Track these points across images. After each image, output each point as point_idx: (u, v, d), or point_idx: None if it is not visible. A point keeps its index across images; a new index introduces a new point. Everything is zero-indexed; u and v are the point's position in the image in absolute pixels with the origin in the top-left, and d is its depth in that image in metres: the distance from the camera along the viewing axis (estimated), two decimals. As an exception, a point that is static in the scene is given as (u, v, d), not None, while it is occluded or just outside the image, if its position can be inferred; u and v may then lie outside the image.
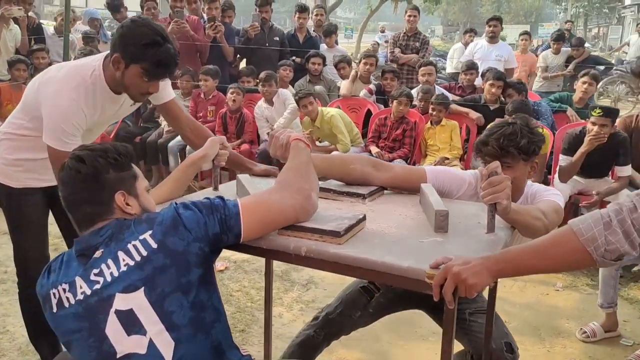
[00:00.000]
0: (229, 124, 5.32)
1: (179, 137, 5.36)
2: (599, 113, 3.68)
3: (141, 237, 1.40)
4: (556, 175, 4.06)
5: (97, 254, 1.42)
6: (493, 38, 6.52)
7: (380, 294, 2.22)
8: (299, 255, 1.50)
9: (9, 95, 5.17)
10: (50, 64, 5.12)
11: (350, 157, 2.03)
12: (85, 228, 1.48)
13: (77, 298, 1.40)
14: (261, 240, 1.55)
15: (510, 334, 2.09)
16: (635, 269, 3.87)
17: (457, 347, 2.30)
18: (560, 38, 7.36)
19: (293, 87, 5.84)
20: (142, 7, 5.90)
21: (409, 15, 6.66)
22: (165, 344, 1.37)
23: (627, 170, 3.85)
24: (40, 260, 2.30)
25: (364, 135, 5.17)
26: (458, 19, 47.12)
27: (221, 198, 1.49)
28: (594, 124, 3.72)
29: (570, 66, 7.28)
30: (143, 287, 1.37)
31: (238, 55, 6.27)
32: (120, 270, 1.39)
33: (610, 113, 3.72)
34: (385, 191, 2.02)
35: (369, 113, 5.37)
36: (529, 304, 3.44)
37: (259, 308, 3.22)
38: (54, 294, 1.44)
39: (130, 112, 2.41)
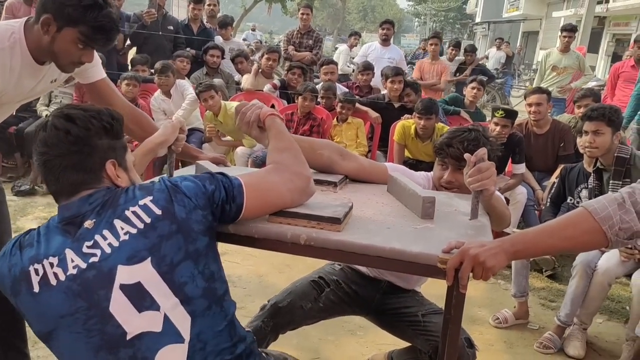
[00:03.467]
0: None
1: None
2: (501, 114, 3.93)
3: (141, 203, 1.25)
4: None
5: (88, 224, 1.24)
6: (386, 41, 6.73)
7: (330, 289, 2.18)
8: (297, 244, 1.40)
9: None
10: None
11: (319, 142, 1.95)
12: (65, 198, 1.27)
13: (68, 273, 1.20)
14: (252, 229, 1.42)
15: (465, 330, 2.14)
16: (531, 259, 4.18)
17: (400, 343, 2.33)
18: (457, 45, 7.83)
19: (189, 79, 5.58)
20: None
21: (302, 14, 6.68)
22: (182, 319, 1.21)
23: (522, 168, 4.15)
24: None
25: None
26: (326, 24, 48.49)
27: (222, 173, 1.37)
28: (496, 124, 3.97)
29: (467, 70, 7.77)
30: (150, 257, 1.20)
31: (128, 43, 5.85)
32: (121, 240, 1.21)
33: (510, 114, 3.99)
34: (348, 180, 1.97)
35: (272, 108, 5.27)
36: (442, 295, 3.56)
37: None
38: (35, 270, 1.21)
39: (48, 91, 2.09)
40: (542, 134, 4.39)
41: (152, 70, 5.12)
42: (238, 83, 5.86)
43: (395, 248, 1.35)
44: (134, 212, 1.23)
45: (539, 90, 4.47)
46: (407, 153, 4.42)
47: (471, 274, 1.31)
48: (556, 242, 1.31)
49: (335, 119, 4.87)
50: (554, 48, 6.75)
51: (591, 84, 7.64)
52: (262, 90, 5.32)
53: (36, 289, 1.20)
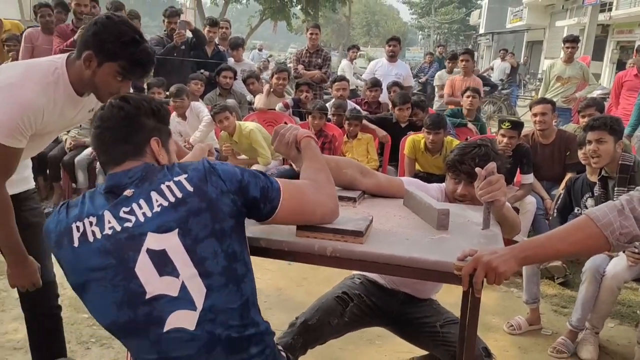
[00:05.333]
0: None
1: (85, 152, 5.06)
2: (507, 126, 4.06)
3: (176, 179, 1.38)
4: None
5: (127, 192, 1.38)
6: (392, 57, 6.88)
7: (354, 304, 2.28)
8: (324, 255, 1.53)
9: None
10: None
11: (343, 161, 2.09)
12: (111, 168, 1.44)
13: (104, 233, 1.34)
14: (282, 243, 1.55)
15: (481, 339, 2.24)
16: (541, 266, 4.27)
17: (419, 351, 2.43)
18: (454, 58, 7.94)
19: (203, 100, 5.75)
20: (35, 14, 5.50)
21: (311, 33, 6.84)
22: (197, 290, 1.33)
23: (530, 178, 4.26)
24: None
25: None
26: (331, 40, 48.94)
27: (264, 173, 1.49)
28: (503, 135, 4.09)
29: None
30: (177, 229, 1.33)
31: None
32: (154, 211, 1.35)
33: (517, 126, 4.11)
34: (365, 195, 2.10)
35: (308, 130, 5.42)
36: (458, 304, 3.67)
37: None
38: (77, 227, 1.36)
39: (85, 120, 2.26)
40: (548, 144, 4.51)
41: (167, 93, 5.29)
42: (250, 103, 6.02)
43: (414, 257, 1.47)
44: (168, 187, 1.36)
45: (544, 100, 4.60)
46: (417, 166, 4.55)
47: (485, 279, 1.43)
48: (562, 247, 1.43)
49: (345, 135, 5.01)
50: (558, 59, 6.88)
51: (596, 93, 7.76)
52: (275, 109, 5.48)
53: (76, 243, 1.35)
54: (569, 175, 4.32)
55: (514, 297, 3.79)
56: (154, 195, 1.36)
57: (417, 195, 1.91)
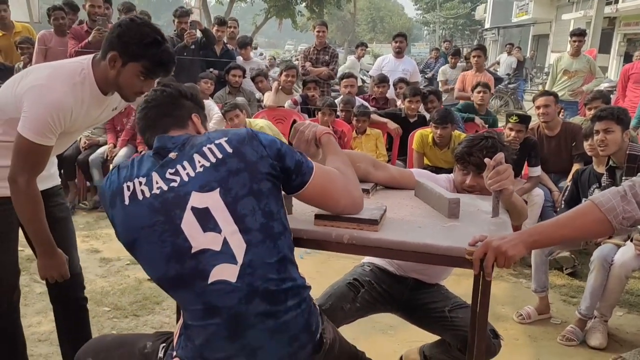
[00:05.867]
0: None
1: (99, 151, 5.15)
2: (515, 120, 4.11)
3: (217, 142, 1.48)
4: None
5: (172, 155, 1.50)
6: (399, 53, 6.94)
7: (365, 290, 2.35)
8: (341, 242, 1.60)
9: None
10: None
11: (356, 155, 2.17)
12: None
13: (152, 192, 1.46)
14: (300, 231, 1.63)
15: (489, 322, 2.30)
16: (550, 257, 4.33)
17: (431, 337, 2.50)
18: (456, 53, 8.00)
19: (213, 98, 5.83)
20: (49, 16, 5.60)
21: (318, 31, 6.91)
22: (238, 245, 1.42)
23: (537, 171, 4.32)
24: (12, 276, 2.17)
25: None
26: (336, 37, 48.97)
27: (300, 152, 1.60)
28: (511, 129, 4.15)
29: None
30: (218, 188, 1.43)
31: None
32: (196, 171, 1.45)
33: (524, 120, 4.17)
34: (378, 187, 2.18)
35: (294, 124, 5.49)
36: (468, 294, 3.73)
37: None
38: (127, 186, 1.48)
39: (109, 118, 2.35)
40: (554, 136, 4.56)
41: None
42: (259, 100, 6.11)
43: (428, 243, 1.55)
44: (209, 149, 1.47)
45: (546, 92, 4.68)
46: (426, 161, 4.61)
47: (495, 263, 1.50)
48: (568, 231, 1.49)
49: (354, 131, 5.08)
50: (564, 52, 6.91)
51: (603, 86, 7.78)
52: (284, 107, 5.56)
53: (127, 202, 1.47)
54: (576, 167, 4.38)
55: (523, 288, 3.85)
56: (196, 157, 1.47)
57: (428, 186, 1.98)
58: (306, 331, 1.48)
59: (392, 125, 5.23)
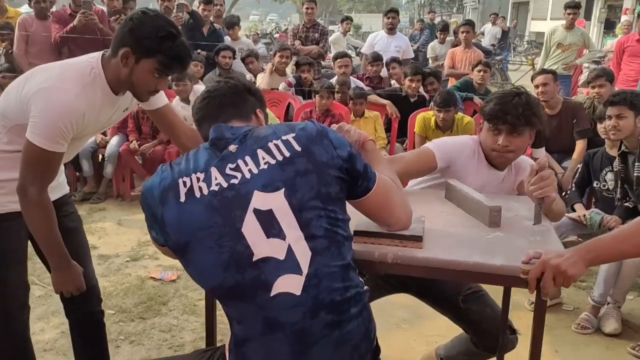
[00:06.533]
0: (143, 124, 5.01)
1: (89, 141, 4.96)
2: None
3: (284, 138, 1.35)
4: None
5: (232, 148, 1.36)
6: (392, 30, 6.78)
7: (366, 280, 2.24)
8: (385, 262, 1.50)
9: None
10: None
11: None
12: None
13: (211, 189, 1.32)
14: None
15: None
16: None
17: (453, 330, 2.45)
18: (445, 29, 7.85)
19: (203, 82, 5.64)
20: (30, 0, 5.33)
21: (307, 8, 6.72)
22: (303, 253, 1.29)
23: (542, 152, 4.24)
24: (23, 294, 2.04)
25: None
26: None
27: None
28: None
29: None
30: (284, 189, 1.30)
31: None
32: (260, 168, 1.32)
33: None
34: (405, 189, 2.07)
35: (289, 106, 5.36)
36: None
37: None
38: (184, 182, 1.34)
39: (120, 119, 2.19)
40: (555, 115, 4.49)
41: (170, 77, 5.18)
42: (251, 82, 5.92)
43: (478, 262, 1.46)
44: (276, 145, 1.34)
45: (544, 71, 4.60)
46: (428, 144, 4.51)
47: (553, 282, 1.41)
48: (629, 248, 1.41)
49: (352, 114, 4.95)
50: (558, 25, 6.81)
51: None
52: (278, 89, 5.39)
53: (182, 199, 1.32)
54: (580, 144, 4.33)
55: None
56: (260, 152, 1.34)
57: (462, 190, 1.88)
58: (366, 339, 1.38)
59: (391, 108, 5.09)
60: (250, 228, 1.29)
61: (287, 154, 1.33)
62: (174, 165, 1.40)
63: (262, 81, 5.46)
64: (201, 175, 1.33)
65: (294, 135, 1.36)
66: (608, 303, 3.13)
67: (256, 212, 1.29)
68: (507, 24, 18.86)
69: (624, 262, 3.03)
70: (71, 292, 1.97)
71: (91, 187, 5.04)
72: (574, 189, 3.60)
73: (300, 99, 5.39)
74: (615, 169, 3.32)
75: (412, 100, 5.09)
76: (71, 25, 4.82)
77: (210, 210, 1.30)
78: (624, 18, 15.31)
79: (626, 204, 3.30)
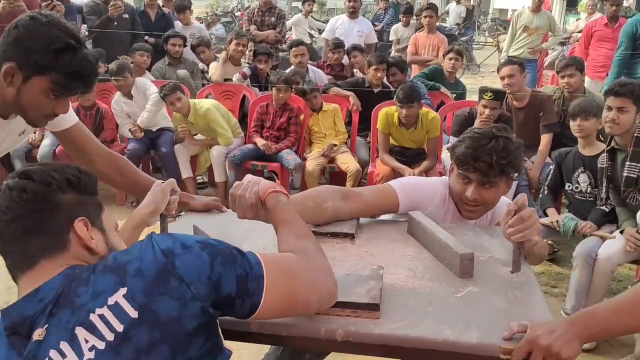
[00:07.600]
0: (85, 122, 4.55)
1: (22, 141, 4.52)
2: (490, 96, 3.76)
3: (110, 302, 0.95)
4: (443, 155, 4.13)
5: (38, 334, 0.94)
6: (353, 13, 6.42)
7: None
8: (334, 340, 1.20)
9: None
10: None
11: (320, 194, 1.70)
12: (22, 273, 1.02)
13: None
14: (279, 327, 1.21)
15: None
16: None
17: None
18: (408, 11, 7.54)
19: (150, 71, 5.22)
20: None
21: (263, -12, 6.31)
22: None
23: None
24: None
25: (243, 124, 4.78)
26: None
27: (238, 249, 1.09)
28: (485, 107, 3.80)
29: None
30: None
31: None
32: (85, 359, 0.92)
33: (499, 96, 3.83)
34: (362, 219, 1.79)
35: (244, 99, 4.99)
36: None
37: None
38: None
39: (17, 145, 1.83)
40: (523, 107, 4.26)
41: (107, 69, 4.74)
42: (203, 72, 5.52)
43: (449, 340, 1.17)
44: (100, 316, 0.94)
45: (510, 62, 4.38)
46: (392, 141, 4.23)
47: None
48: (634, 322, 1.16)
49: (310, 108, 4.62)
50: (525, 7, 6.58)
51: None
52: (232, 80, 5.00)
53: None
54: (545, 139, 4.11)
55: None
56: (80, 332, 0.93)
57: (427, 228, 1.60)
58: None
59: (354, 99, 4.75)
60: None
61: (120, 328, 0.93)
62: None
63: (214, 71, 5.06)
64: None
65: (125, 291, 0.95)
66: (582, 315, 2.93)
67: None
68: (472, 2, 18.62)
69: (595, 272, 2.85)
70: None
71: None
72: (546, 191, 3.37)
73: (257, 90, 5.01)
74: (601, 166, 3.05)
75: (375, 91, 4.77)
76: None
77: None
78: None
79: (602, 207, 3.08)
